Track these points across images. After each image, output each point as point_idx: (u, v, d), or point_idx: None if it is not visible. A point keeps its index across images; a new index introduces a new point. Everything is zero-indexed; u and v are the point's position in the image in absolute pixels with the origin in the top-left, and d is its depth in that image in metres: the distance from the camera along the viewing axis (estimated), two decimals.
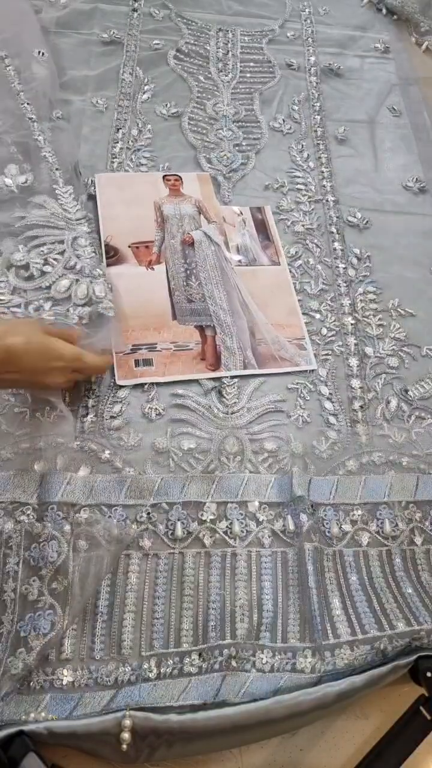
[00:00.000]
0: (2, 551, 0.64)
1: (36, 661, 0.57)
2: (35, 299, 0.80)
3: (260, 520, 0.71)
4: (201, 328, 0.86)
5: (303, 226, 1.01)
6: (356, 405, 0.83)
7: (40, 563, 0.62)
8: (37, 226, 0.85)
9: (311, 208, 1.04)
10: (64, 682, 0.58)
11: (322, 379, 0.85)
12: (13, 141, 0.94)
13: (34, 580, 0.62)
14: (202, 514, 0.70)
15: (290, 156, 1.11)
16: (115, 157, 1.03)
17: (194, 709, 0.57)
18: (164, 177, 1.02)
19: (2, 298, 0.79)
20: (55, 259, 0.84)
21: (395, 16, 1.42)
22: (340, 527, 0.72)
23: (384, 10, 1.42)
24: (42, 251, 0.84)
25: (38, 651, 0.57)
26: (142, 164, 1.04)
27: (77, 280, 0.82)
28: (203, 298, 0.88)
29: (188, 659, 0.61)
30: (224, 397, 0.80)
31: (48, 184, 0.90)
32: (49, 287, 0.82)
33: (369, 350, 0.89)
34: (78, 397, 0.77)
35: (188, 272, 0.91)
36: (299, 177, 1.08)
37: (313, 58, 1.28)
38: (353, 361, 0.87)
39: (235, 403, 0.80)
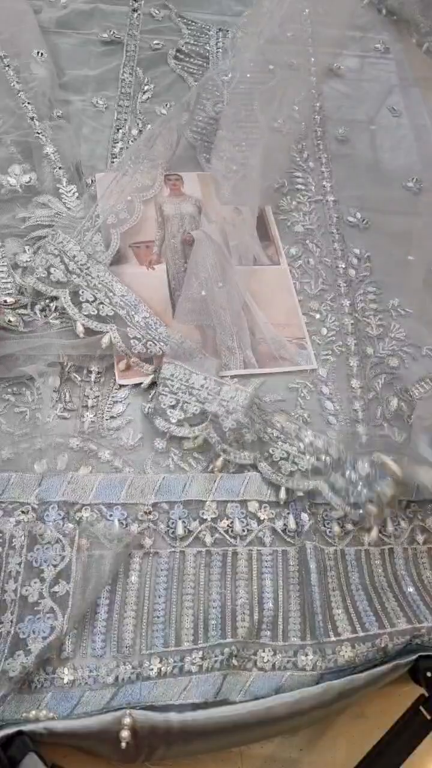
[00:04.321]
0: (5, 551, 0.63)
1: (34, 664, 0.57)
2: (41, 299, 0.80)
3: (261, 519, 0.71)
4: (201, 328, 0.86)
5: (303, 226, 1.01)
6: (356, 405, 0.83)
7: (42, 565, 0.62)
8: (42, 226, 0.85)
9: (311, 208, 1.04)
10: (65, 681, 0.58)
11: (322, 379, 0.85)
12: (12, 141, 0.94)
13: (35, 582, 0.62)
14: (203, 513, 0.70)
15: (290, 156, 1.11)
16: (115, 157, 1.03)
17: (195, 707, 0.57)
18: (165, 176, 1.02)
19: (9, 299, 0.78)
20: None
21: (395, 17, 1.42)
22: (342, 526, 0.72)
23: (384, 11, 1.42)
24: None
25: (37, 654, 0.57)
26: None
27: None
28: (203, 298, 0.88)
29: (189, 658, 0.61)
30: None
31: (51, 183, 0.90)
32: None
33: (369, 350, 0.89)
34: (78, 395, 0.77)
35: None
36: (299, 177, 1.08)
37: (313, 59, 1.28)
38: (353, 361, 0.87)
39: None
